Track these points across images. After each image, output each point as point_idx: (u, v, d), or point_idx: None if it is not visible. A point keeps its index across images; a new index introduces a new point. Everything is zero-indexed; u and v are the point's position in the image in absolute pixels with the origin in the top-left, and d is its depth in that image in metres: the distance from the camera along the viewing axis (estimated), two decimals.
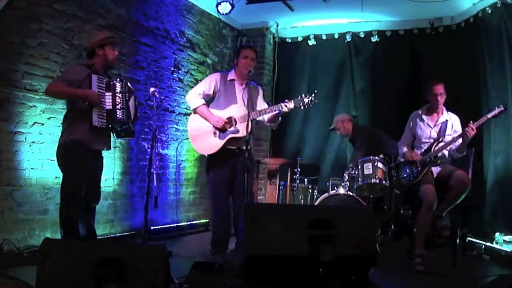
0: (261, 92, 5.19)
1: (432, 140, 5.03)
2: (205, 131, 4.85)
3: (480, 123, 4.76)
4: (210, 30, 7.49)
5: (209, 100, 4.95)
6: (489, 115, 4.74)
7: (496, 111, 4.70)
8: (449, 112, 5.14)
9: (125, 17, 5.82)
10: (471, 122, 4.71)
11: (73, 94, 4.13)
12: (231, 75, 5.00)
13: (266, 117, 4.92)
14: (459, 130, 5.04)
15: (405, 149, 5.15)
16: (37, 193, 4.80)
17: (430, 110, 5.14)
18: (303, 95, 4.78)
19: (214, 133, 4.82)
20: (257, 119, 4.88)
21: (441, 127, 5.03)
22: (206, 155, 4.98)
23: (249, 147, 4.53)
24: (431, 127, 5.09)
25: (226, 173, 4.88)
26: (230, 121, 4.79)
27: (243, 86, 4.88)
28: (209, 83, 4.95)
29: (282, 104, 4.70)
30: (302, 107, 4.80)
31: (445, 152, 5.01)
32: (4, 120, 4.51)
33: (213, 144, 4.82)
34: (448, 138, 4.96)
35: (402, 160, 5.26)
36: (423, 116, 5.14)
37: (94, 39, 4.36)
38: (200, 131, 4.87)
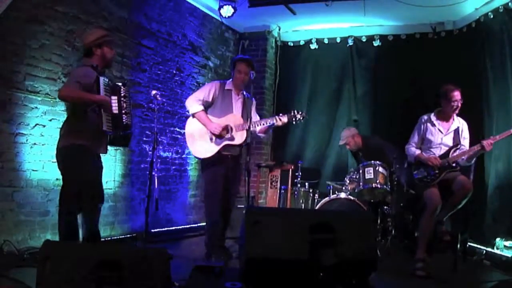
0: (254, 103, 5.42)
1: (442, 146, 5.02)
2: (202, 136, 5.06)
3: (502, 137, 4.77)
4: (212, 33, 7.50)
5: (207, 106, 5.13)
6: None
7: None
8: (458, 118, 5.13)
9: (127, 19, 5.83)
10: (491, 136, 4.73)
11: (88, 100, 4.03)
12: (229, 85, 5.19)
13: (258, 128, 5.14)
14: (467, 136, 5.07)
15: (417, 151, 5.11)
16: (38, 195, 4.80)
17: (443, 115, 5.10)
18: (295, 111, 5.05)
19: (211, 139, 5.04)
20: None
21: (455, 134, 5.03)
22: (200, 159, 5.15)
23: (241, 155, 4.88)
24: (442, 133, 5.06)
25: (219, 177, 5.04)
26: (227, 128, 5.00)
27: (239, 96, 5.19)
28: (208, 90, 5.13)
29: (277, 117, 4.99)
30: (293, 122, 5.10)
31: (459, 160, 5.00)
32: (5, 121, 4.51)
33: (208, 149, 5.04)
34: (463, 145, 4.97)
35: (411, 162, 5.23)
36: (435, 121, 5.10)
37: (90, 38, 4.23)
38: (197, 135, 5.08)
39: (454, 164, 4.91)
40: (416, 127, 5.26)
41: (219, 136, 4.99)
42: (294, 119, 5.01)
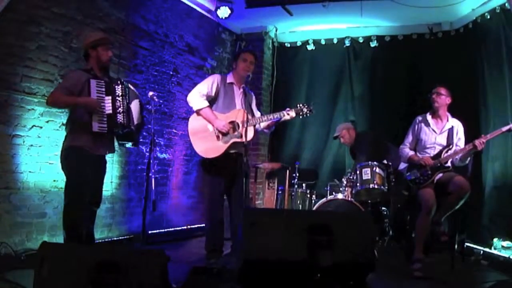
0: (254, 98, 5.26)
1: (436, 146, 5.04)
2: (207, 134, 4.82)
3: (493, 135, 4.79)
4: (209, 34, 7.49)
5: (210, 101, 4.91)
6: (504, 129, 4.74)
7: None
8: (454, 118, 5.15)
9: (124, 21, 5.82)
10: (483, 135, 4.73)
11: (73, 103, 4.14)
12: (230, 78, 5.00)
13: (262, 124, 4.97)
14: (462, 137, 5.08)
15: (411, 152, 5.13)
16: (35, 197, 4.79)
17: (435, 114, 5.14)
18: (301, 105, 4.91)
19: (218, 137, 4.81)
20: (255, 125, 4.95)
21: (449, 134, 5.04)
22: (202, 158, 4.91)
23: (247, 151, 4.58)
24: (436, 133, 5.08)
25: (223, 177, 4.89)
26: (234, 125, 4.82)
27: (241, 90, 4.99)
28: (211, 84, 4.91)
29: (284, 112, 4.80)
30: (300, 117, 4.96)
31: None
32: (2, 123, 4.49)
33: (217, 148, 4.79)
34: (457, 146, 4.98)
35: (404, 164, 5.25)
36: (430, 121, 5.12)
37: (87, 41, 4.31)
38: (201, 133, 4.83)
39: (446, 164, 4.93)
40: (410, 127, 5.28)
41: (226, 134, 4.78)
42: (301, 112, 4.88)
